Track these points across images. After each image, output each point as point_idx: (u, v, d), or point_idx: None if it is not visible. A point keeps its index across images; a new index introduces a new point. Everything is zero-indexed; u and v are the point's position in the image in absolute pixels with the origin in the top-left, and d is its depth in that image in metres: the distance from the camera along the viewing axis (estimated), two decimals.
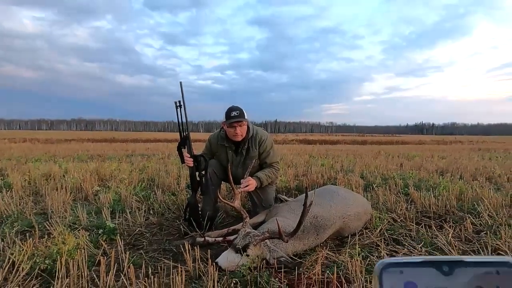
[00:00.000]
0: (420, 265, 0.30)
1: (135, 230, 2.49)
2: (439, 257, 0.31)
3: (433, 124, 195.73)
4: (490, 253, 1.99)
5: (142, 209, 2.90)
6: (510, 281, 0.28)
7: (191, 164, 2.48)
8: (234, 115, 2.40)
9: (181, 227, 2.53)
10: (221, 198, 2.10)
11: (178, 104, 2.40)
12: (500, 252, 2.02)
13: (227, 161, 2.61)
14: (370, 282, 1.58)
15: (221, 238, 2.21)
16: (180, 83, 2.40)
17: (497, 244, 2.11)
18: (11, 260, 1.71)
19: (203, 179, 2.55)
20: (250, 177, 2.42)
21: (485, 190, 3.46)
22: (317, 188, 2.84)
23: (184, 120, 2.43)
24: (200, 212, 2.50)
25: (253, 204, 2.75)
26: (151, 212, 2.95)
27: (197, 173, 2.53)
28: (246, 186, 2.36)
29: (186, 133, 2.46)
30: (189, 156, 2.48)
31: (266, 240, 1.86)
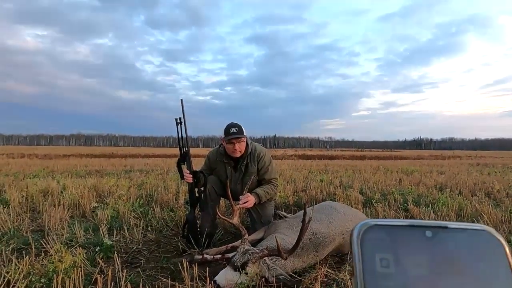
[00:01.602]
0: (406, 229, 0.31)
1: (133, 247, 2.46)
2: (425, 222, 0.31)
3: (431, 139, 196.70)
4: None
5: (140, 226, 2.87)
6: (485, 246, 0.30)
7: (190, 180, 2.49)
8: (233, 132, 2.42)
9: (179, 244, 2.50)
10: (219, 215, 2.10)
11: (178, 121, 2.44)
12: None
13: (226, 177, 2.62)
14: None
15: (219, 256, 2.18)
16: (181, 100, 2.44)
17: None
18: (6, 279, 1.69)
19: (202, 196, 2.54)
20: (248, 193, 2.42)
21: (485, 205, 3.46)
22: (315, 204, 2.84)
23: (184, 136, 2.46)
24: (198, 229, 2.48)
25: (252, 221, 2.73)
26: (149, 229, 2.92)
27: (196, 189, 2.53)
28: (245, 202, 2.36)
29: (186, 149, 2.48)
30: (188, 172, 2.49)
31: (264, 258, 1.85)
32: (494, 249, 0.30)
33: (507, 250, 0.30)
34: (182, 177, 2.52)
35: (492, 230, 0.31)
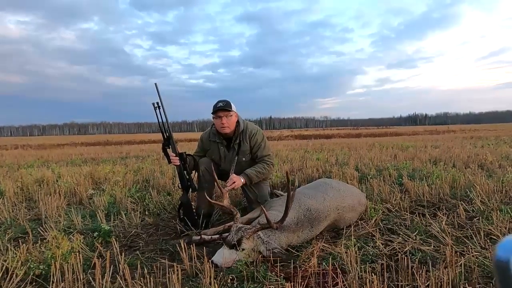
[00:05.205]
0: None
1: (131, 231, 2.48)
2: None
3: (426, 114, 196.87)
4: (482, 238, 2.02)
5: (137, 211, 2.89)
6: None
7: (178, 163, 2.49)
8: (220, 105, 2.43)
9: (177, 226, 2.52)
10: (210, 200, 2.17)
11: (156, 105, 2.41)
12: (493, 237, 2.06)
13: (219, 157, 2.62)
14: (365, 271, 1.59)
15: (217, 236, 2.21)
16: (155, 84, 2.41)
17: (489, 229, 2.14)
18: (4, 267, 1.69)
19: (197, 176, 2.55)
20: (235, 174, 2.43)
21: (478, 177, 3.51)
22: (311, 182, 2.85)
23: (164, 120, 2.44)
24: (194, 211, 2.50)
25: (249, 201, 2.75)
26: (146, 213, 2.93)
27: (185, 172, 2.53)
28: (232, 183, 2.37)
29: (168, 133, 2.47)
30: (174, 155, 2.49)
31: (259, 233, 1.89)
32: None
33: None
34: (169, 161, 2.53)
35: None
